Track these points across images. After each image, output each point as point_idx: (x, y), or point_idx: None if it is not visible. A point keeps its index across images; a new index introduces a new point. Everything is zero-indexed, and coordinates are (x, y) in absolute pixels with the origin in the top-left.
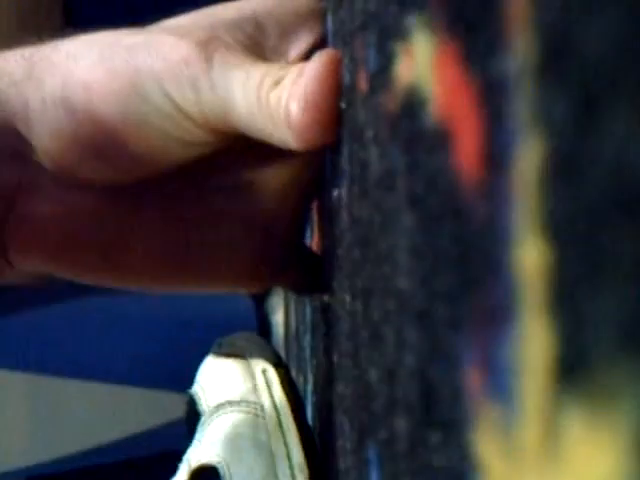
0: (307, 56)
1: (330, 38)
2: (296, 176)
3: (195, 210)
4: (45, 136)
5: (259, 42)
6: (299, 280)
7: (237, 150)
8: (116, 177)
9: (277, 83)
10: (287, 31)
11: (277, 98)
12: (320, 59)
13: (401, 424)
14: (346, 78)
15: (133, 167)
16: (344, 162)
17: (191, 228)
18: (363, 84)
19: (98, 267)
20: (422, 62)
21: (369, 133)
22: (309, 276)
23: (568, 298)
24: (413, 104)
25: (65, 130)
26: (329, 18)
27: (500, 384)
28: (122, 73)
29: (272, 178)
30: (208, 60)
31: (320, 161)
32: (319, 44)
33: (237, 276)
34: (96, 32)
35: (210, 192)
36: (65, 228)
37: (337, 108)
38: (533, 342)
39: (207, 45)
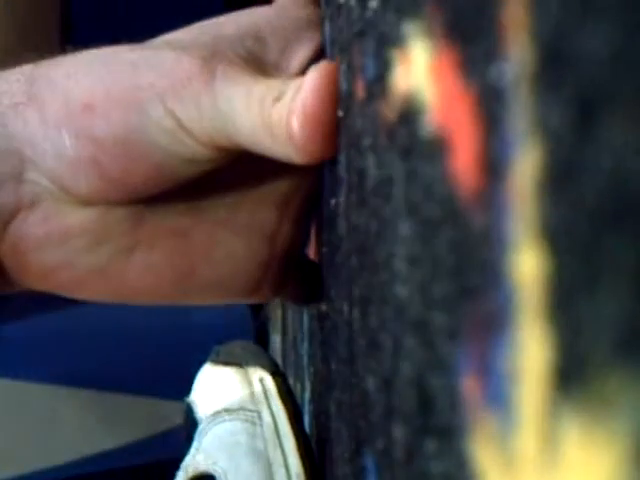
0: (308, 66)
1: (328, 46)
2: (296, 186)
3: (197, 224)
4: (47, 156)
5: (260, 55)
6: (300, 291)
7: (239, 163)
8: (118, 195)
9: (278, 99)
10: (287, 42)
11: (278, 114)
12: (317, 72)
13: (398, 432)
14: (344, 86)
15: (135, 185)
16: (342, 170)
17: (194, 242)
18: (361, 91)
19: (97, 285)
20: (419, 70)
21: (367, 141)
22: (309, 287)
23: (565, 306)
24: (410, 112)
25: (67, 149)
26: (327, 26)
27: (497, 392)
28: (123, 91)
29: (273, 189)
30: (210, 76)
31: (320, 171)
32: (319, 53)
33: (240, 289)
34: (95, 49)
35: (212, 205)
36: (63, 248)
37: (337, 120)
38: (530, 350)
39: (209, 61)
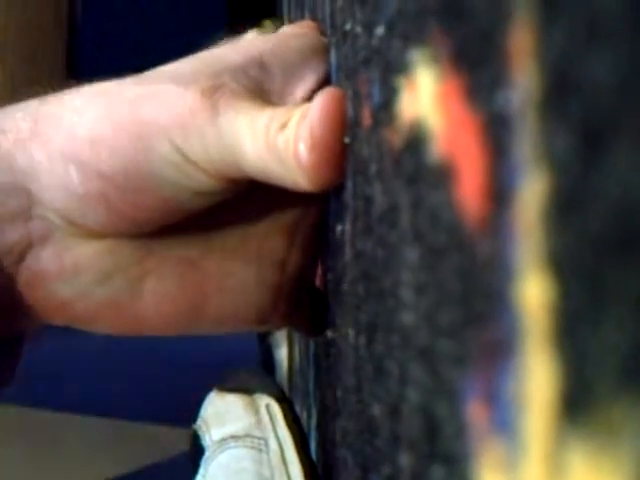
0: (313, 95)
1: (334, 73)
2: (304, 213)
3: (207, 254)
4: (54, 191)
5: (264, 85)
6: (308, 322)
7: (246, 192)
8: (127, 228)
9: (283, 127)
10: (291, 71)
11: (285, 142)
12: (322, 98)
13: (405, 459)
14: (350, 112)
15: (144, 218)
16: (348, 197)
17: (204, 272)
18: (367, 119)
19: (111, 317)
20: (425, 97)
21: (373, 168)
22: (317, 317)
23: (571, 333)
24: (417, 139)
25: (74, 185)
26: (333, 53)
27: (504, 419)
28: (128, 126)
29: (281, 217)
30: (214, 108)
31: (327, 198)
32: (324, 82)
33: (251, 317)
34: (99, 83)
35: (221, 235)
36: (75, 281)
37: (344, 145)
38: (537, 377)
39: (212, 93)
